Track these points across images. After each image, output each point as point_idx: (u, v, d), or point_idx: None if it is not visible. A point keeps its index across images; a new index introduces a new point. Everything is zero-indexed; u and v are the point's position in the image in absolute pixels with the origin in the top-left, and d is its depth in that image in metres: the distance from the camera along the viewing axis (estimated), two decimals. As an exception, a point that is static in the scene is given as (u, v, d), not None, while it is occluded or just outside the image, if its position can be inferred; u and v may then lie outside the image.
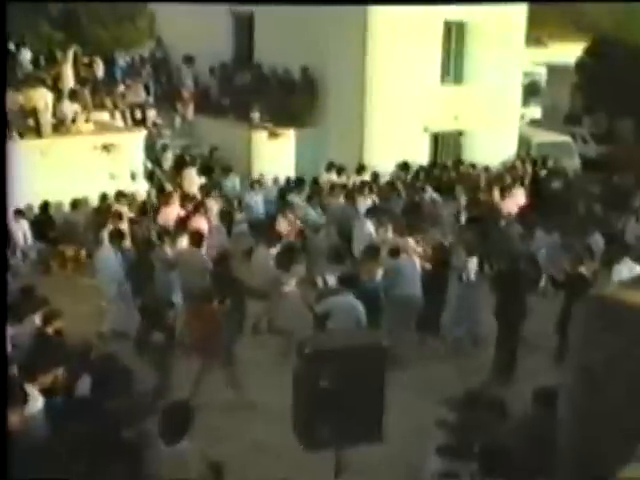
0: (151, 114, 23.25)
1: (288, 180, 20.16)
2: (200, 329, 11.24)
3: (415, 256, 13.61)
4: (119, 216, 15.79)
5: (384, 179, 20.79)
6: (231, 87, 24.13)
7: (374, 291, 12.48)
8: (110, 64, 24.06)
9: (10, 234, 16.37)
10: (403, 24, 21.22)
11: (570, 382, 7.70)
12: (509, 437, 8.24)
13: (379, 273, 12.92)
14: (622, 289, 7.58)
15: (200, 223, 15.52)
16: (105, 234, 14.81)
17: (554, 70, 35.15)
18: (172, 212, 16.63)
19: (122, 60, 24.79)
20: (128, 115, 22.86)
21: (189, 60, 25.02)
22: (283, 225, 15.95)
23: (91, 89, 22.17)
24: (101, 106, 22.34)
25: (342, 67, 21.80)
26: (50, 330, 10.72)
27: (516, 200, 19.29)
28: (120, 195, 17.58)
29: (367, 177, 20.42)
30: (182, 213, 16.65)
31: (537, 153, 26.00)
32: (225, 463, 7.85)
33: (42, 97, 18.52)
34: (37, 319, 10.87)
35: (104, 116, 21.60)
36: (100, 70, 23.40)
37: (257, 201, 18.96)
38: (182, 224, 15.25)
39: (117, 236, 14.13)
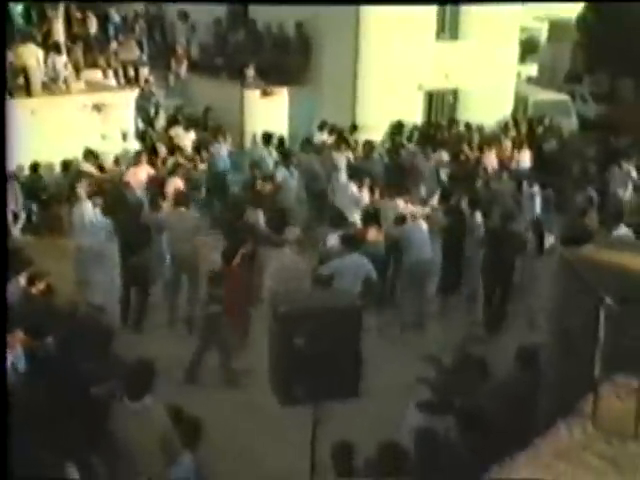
0: (144, 72, 22.99)
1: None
2: (232, 290, 11.28)
3: (422, 219, 13.44)
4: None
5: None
6: (225, 44, 23.84)
7: (381, 258, 12.45)
8: (104, 20, 23.71)
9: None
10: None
11: (549, 344, 7.74)
12: (489, 396, 8.30)
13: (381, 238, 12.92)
14: (597, 249, 7.54)
15: (177, 184, 15.52)
16: (82, 191, 14.37)
17: (555, 25, 34.76)
18: (140, 172, 16.63)
19: (116, 16, 24.43)
20: (121, 73, 22.63)
21: (184, 16, 24.70)
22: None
23: (83, 46, 22.01)
24: (94, 64, 22.16)
25: (335, 24, 21.53)
26: (34, 290, 10.78)
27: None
28: (89, 154, 17.62)
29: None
30: (151, 173, 16.82)
31: (534, 112, 25.82)
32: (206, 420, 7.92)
33: (32, 54, 18.35)
34: (22, 280, 10.95)
35: (96, 75, 21.36)
36: (93, 26, 23.04)
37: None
38: (154, 185, 15.29)
39: (95, 194, 14.01)
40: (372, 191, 15.20)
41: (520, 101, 26.10)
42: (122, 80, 22.40)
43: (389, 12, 20.88)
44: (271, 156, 18.29)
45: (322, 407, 7.56)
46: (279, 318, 7.45)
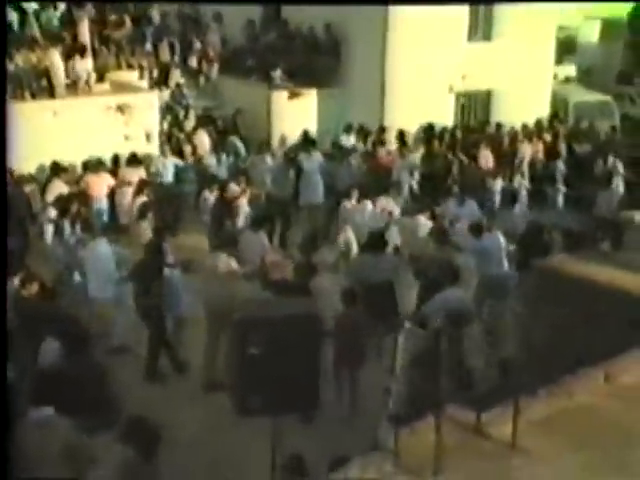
0: (176, 74, 23.01)
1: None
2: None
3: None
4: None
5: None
6: (256, 46, 23.72)
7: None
8: (138, 22, 23.78)
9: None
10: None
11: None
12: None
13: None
14: (565, 260, 7.22)
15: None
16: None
17: (606, 25, 33.82)
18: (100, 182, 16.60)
19: (154, 17, 24.51)
20: (153, 75, 22.67)
21: (217, 18, 24.67)
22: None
23: (116, 48, 22.13)
24: (126, 65, 22.27)
25: (364, 25, 21.26)
26: (25, 293, 10.77)
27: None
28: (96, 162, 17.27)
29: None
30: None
31: (575, 113, 25.18)
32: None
33: (55, 57, 18.46)
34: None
35: (127, 76, 21.41)
36: (127, 28, 23.10)
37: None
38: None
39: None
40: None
41: (560, 102, 25.44)
42: (153, 81, 22.43)
43: (419, 13, 20.55)
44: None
45: (281, 419, 7.36)
46: (234, 325, 7.26)
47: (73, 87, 19.04)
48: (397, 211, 14.88)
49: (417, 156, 19.11)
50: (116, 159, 17.63)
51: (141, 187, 15.90)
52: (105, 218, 15.95)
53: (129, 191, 16.31)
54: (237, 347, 7.14)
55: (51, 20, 21.64)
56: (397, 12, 20.76)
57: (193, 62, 23.87)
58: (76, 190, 15.93)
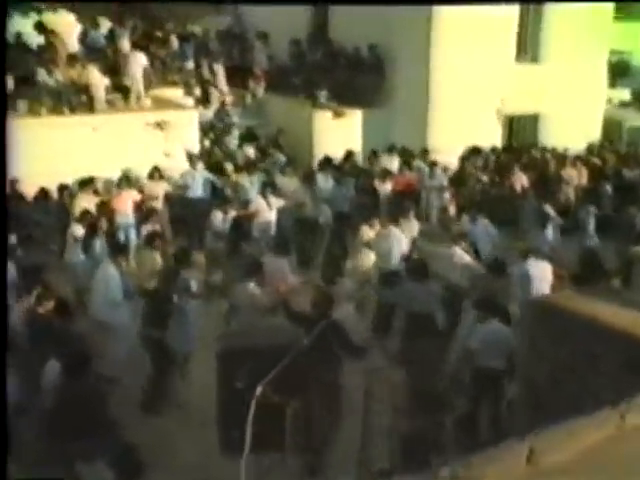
0: (220, 91, 23.02)
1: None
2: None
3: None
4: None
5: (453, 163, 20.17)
6: (302, 65, 23.59)
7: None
8: (184, 40, 23.87)
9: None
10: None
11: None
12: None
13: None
14: (571, 296, 6.83)
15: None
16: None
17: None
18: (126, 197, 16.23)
19: (197, 34, 24.61)
20: (197, 92, 22.72)
21: (263, 36, 24.63)
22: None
23: (161, 65, 22.23)
24: (172, 83, 22.36)
25: (409, 45, 20.98)
26: (41, 310, 10.65)
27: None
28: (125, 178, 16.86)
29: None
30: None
31: (629, 138, 24.58)
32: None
33: (95, 73, 18.54)
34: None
35: (167, 92, 21.44)
36: (173, 46, 23.19)
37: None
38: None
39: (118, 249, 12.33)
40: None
41: (614, 126, 24.85)
42: (197, 99, 22.46)
43: (465, 34, 20.21)
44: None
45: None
46: (218, 357, 6.97)
47: (112, 103, 19.05)
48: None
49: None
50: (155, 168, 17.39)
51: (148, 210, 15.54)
52: (133, 235, 15.73)
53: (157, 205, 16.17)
54: (221, 380, 6.86)
55: (97, 39, 21.87)
56: (442, 32, 20.43)
57: (238, 80, 23.83)
58: (100, 204, 15.64)
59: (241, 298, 10.52)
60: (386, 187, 17.81)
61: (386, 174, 18.05)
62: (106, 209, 15.35)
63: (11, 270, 12.26)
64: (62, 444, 7.78)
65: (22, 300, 11.12)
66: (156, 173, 17.04)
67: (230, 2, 24.34)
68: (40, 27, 20.02)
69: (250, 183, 17.18)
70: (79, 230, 13.69)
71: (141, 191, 16.42)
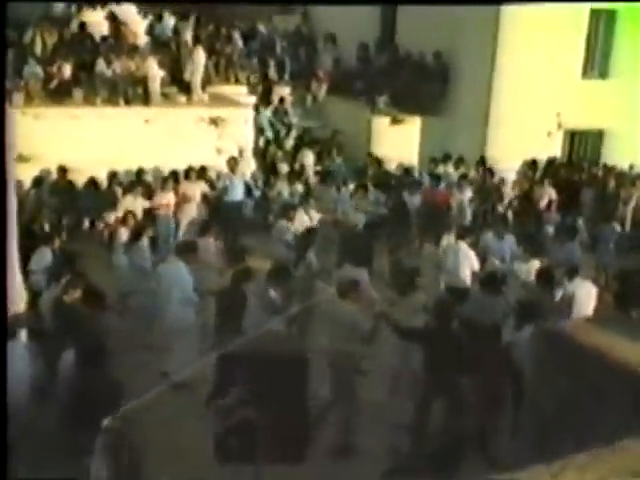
0: (281, 91, 22.93)
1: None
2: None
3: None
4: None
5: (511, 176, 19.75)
6: (367, 69, 23.35)
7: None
8: (247, 37, 23.89)
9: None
10: (542, 12, 19.64)
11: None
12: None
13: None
14: (580, 325, 6.46)
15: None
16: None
17: None
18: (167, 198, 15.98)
19: (262, 33, 24.60)
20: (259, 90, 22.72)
21: (331, 38, 24.47)
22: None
23: (225, 61, 22.25)
24: (235, 80, 22.37)
25: (474, 53, 20.61)
26: (67, 298, 10.61)
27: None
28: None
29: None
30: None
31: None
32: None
33: (153, 65, 18.59)
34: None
35: (227, 89, 21.40)
36: (238, 43, 23.17)
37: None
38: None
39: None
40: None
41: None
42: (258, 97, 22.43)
43: (531, 45, 19.78)
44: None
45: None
46: (215, 363, 6.77)
47: (168, 96, 19.10)
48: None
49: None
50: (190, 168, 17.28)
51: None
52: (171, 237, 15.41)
53: (191, 207, 15.90)
54: (218, 387, 6.67)
55: (164, 31, 21.98)
56: (508, 42, 20.04)
57: (302, 81, 23.72)
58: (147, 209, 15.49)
59: (341, 318, 9.68)
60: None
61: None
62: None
63: (47, 256, 12.36)
64: (71, 436, 7.72)
65: (50, 287, 11.17)
66: (192, 173, 16.88)
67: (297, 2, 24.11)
68: (112, 17, 20.19)
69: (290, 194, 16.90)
70: (124, 233, 13.45)
71: (177, 192, 16.16)
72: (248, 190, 17.61)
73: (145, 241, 13.03)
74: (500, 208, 18.04)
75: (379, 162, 19.76)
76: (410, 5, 22.07)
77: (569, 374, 6.15)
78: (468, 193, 17.62)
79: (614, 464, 4.31)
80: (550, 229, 16.42)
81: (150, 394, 6.48)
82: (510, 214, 17.79)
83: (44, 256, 12.35)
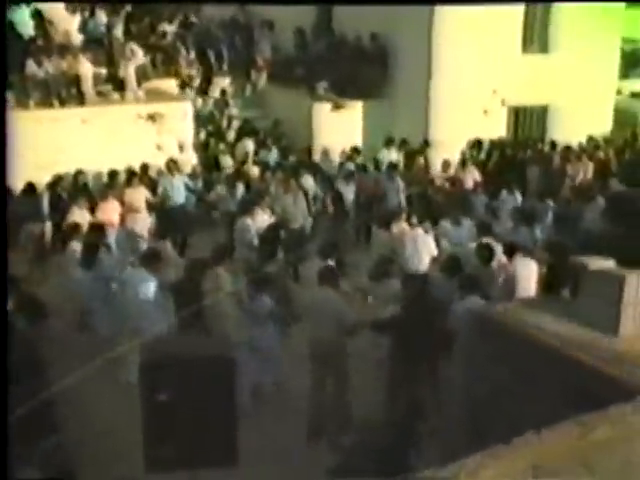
0: (220, 82, 22.56)
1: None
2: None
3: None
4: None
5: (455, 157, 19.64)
6: (305, 55, 23.02)
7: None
8: (185, 29, 23.45)
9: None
10: (479, -13, 19.46)
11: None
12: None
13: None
14: (515, 308, 6.29)
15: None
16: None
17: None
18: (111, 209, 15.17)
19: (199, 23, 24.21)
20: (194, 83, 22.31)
21: (268, 25, 24.07)
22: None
23: (163, 55, 21.81)
24: (172, 74, 21.94)
25: (411, 34, 20.36)
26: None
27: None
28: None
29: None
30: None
31: (644, 129, 23.74)
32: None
33: (85, 64, 18.16)
34: None
35: (163, 84, 21.02)
36: (171, 36, 22.72)
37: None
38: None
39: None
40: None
41: (629, 118, 24.09)
42: (195, 90, 22.06)
43: (468, 22, 19.57)
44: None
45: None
46: (140, 368, 6.55)
47: (103, 95, 18.67)
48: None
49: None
50: (131, 172, 16.70)
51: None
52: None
53: (140, 217, 15.10)
54: (144, 392, 6.45)
55: (97, 28, 21.50)
56: (445, 21, 19.77)
57: (240, 70, 23.34)
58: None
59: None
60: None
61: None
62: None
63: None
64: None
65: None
66: (134, 178, 16.25)
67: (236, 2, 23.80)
68: (37, 16, 19.64)
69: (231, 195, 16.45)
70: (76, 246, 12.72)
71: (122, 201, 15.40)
72: (189, 190, 16.96)
73: (103, 253, 12.55)
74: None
75: (309, 152, 19.61)
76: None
77: (499, 359, 5.98)
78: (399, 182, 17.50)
79: (513, 462, 4.17)
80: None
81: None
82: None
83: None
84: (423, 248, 12.95)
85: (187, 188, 16.77)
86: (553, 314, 6.39)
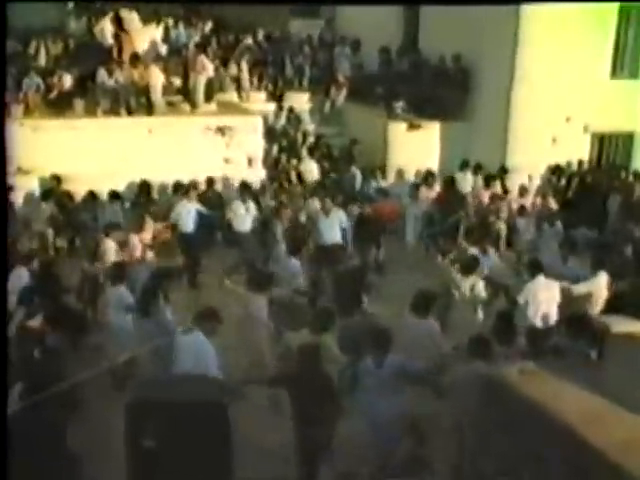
0: (295, 97, 22.30)
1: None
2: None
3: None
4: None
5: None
6: (387, 74, 22.49)
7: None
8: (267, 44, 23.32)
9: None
10: (565, 11, 18.59)
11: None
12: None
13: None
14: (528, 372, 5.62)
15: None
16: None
17: None
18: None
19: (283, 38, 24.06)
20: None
21: (354, 43, 23.68)
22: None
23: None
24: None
25: (492, 57, 19.63)
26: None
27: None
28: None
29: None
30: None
31: None
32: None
33: (156, 74, 18.04)
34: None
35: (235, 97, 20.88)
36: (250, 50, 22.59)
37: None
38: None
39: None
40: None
41: None
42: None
43: (553, 47, 18.78)
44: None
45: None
46: (125, 410, 6.11)
47: (174, 105, 18.55)
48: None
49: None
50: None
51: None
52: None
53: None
54: (128, 436, 6.01)
55: (179, 38, 21.59)
56: (530, 44, 18.96)
57: (320, 87, 23.02)
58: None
59: None
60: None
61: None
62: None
63: (24, 277, 11.80)
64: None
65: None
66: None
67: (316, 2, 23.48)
68: (117, 23, 19.66)
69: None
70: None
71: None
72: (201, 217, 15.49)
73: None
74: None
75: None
76: (430, 5, 21.18)
77: (509, 432, 5.35)
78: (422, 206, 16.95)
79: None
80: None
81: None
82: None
83: (20, 277, 11.81)
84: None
85: (200, 216, 15.48)
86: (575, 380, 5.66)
